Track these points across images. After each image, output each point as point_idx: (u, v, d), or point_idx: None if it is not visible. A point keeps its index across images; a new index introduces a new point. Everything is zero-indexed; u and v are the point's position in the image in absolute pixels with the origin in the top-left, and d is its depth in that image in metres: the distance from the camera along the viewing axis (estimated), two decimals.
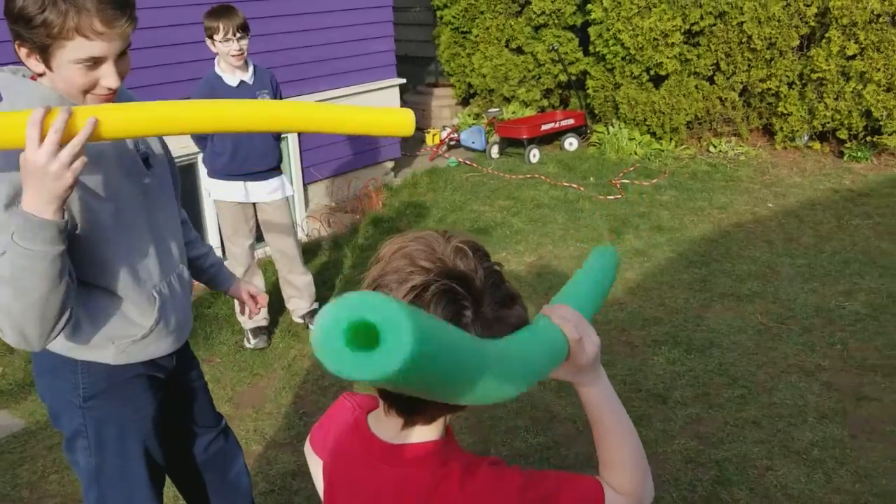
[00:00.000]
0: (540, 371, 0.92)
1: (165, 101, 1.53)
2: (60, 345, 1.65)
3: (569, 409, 3.27)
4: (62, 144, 1.29)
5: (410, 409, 0.96)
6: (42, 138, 1.28)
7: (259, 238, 4.04)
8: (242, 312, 2.27)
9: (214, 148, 3.68)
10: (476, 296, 0.90)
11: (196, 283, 2.06)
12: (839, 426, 3.09)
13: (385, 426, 1.02)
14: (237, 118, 1.54)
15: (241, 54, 3.53)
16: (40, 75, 1.50)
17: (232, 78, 3.61)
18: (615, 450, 1.04)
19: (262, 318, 3.96)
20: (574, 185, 6.22)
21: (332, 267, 4.87)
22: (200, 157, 4.11)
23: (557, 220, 5.53)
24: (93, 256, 1.59)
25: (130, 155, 1.67)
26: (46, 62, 1.45)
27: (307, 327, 4.06)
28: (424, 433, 1.00)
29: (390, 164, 6.57)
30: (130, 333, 1.69)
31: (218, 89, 3.58)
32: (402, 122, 1.62)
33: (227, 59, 3.54)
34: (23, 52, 1.45)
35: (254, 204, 3.84)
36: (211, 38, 3.50)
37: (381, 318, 0.61)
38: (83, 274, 1.59)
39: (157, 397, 1.82)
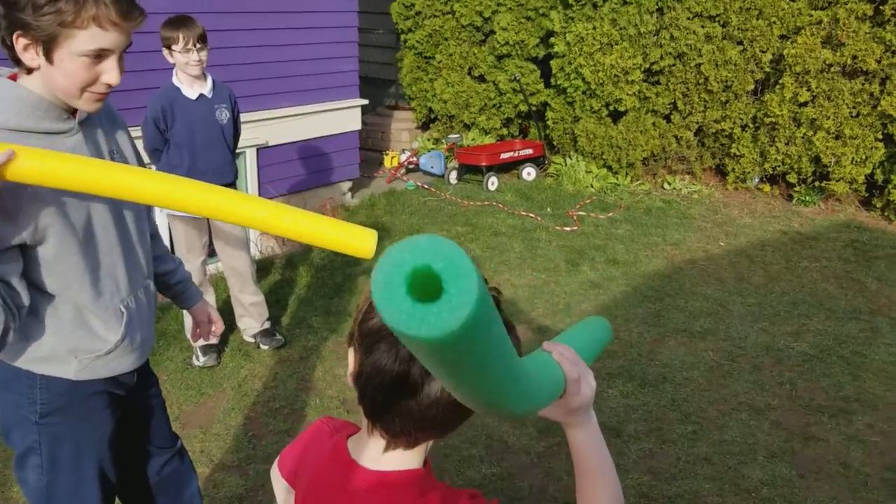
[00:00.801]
0: (542, 399, 0.89)
1: (111, 163, 1.46)
2: (19, 357, 1.58)
3: (523, 440, 3.24)
4: None
5: (395, 430, 0.94)
6: None
7: (211, 254, 3.95)
8: (196, 335, 2.19)
9: (170, 160, 3.58)
10: None
11: None
12: (788, 465, 3.13)
13: (366, 449, 0.99)
14: (189, 200, 1.47)
15: (201, 63, 3.47)
16: (28, 72, 1.44)
17: (190, 91, 3.53)
18: (597, 495, 1.02)
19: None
20: (531, 215, 6.25)
21: (285, 286, 4.78)
22: (153, 168, 4.02)
23: (514, 248, 5.54)
24: (59, 269, 1.53)
25: None
26: (48, 54, 1.40)
27: (258, 347, 3.96)
28: (406, 460, 0.97)
29: (348, 185, 6.51)
30: (95, 348, 1.62)
31: (176, 101, 3.50)
32: (364, 245, 1.56)
33: (186, 69, 3.46)
34: (21, 42, 1.39)
35: (208, 220, 3.76)
36: (169, 48, 3.43)
37: (447, 267, 0.55)
38: (48, 286, 1.53)
39: (115, 415, 1.75)
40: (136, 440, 1.93)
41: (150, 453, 1.98)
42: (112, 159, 1.63)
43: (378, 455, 0.97)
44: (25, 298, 1.49)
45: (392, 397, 0.90)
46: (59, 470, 1.67)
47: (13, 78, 1.48)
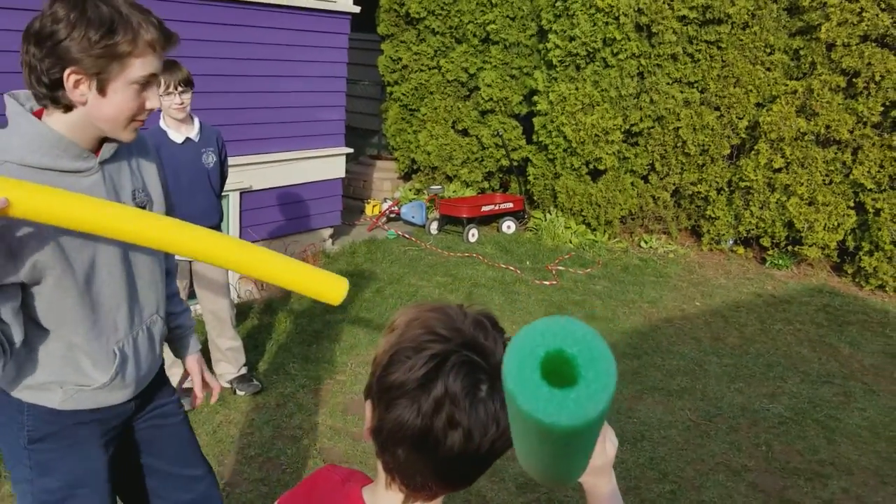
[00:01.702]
0: (589, 457, 0.89)
1: (104, 202, 1.46)
2: (6, 383, 1.55)
3: (502, 495, 3.21)
4: None
5: (416, 484, 0.93)
6: None
7: (190, 296, 3.92)
8: (180, 388, 2.10)
9: None
10: (494, 370, 0.88)
11: None
12: None
13: (383, 502, 0.98)
14: (173, 241, 1.50)
15: (183, 106, 3.47)
16: (65, 110, 1.43)
17: (177, 134, 3.53)
18: None
19: (187, 380, 3.80)
20: (511, 268, 6.30)
21: (263, 331, 4.74)
22: None
23: (494, 300, 5.56)
24: (54, 308, 1.51)
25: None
26: (102, 87, 1.40)
27: (234, 392, 3.91)
28: None
29: (329, 231, 6.53)
30: (81, 383, 1.59)
31: (162, 145, 3.49)
32: (335, 292, 1.60)
33: (169, 112, 3.48)
34: (72, 79, 1.38)
35: (190, 262, 3.74)
36: None
37: (582, 351, 0.54)
38: (42, 321, 1.51)
39: (108, 447, 1.70)
40: (153, 463, 1.86)
41: (173, 476, 1.89)
42: (135, 198, 1.63)
43: None
44: (18, 333, 1.47)
45: (414, 453, 0.90)
46: (49, 499, 1.63)
47: (38, 114, 1.47)
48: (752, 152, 6.73)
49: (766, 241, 6.79)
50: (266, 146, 5.60)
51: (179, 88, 3.41)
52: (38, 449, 1.61)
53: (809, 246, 6.51)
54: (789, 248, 6.78)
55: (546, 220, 7.32)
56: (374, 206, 7.82)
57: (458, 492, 1.00)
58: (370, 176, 8.56)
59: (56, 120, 1.45)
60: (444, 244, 6.90)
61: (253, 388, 3.92)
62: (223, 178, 3.83)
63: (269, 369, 4.23)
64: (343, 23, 6.02)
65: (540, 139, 7.34)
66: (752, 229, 6.78)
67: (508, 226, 7.46)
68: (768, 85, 6.69)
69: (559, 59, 6.96)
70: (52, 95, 1.41)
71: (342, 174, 6.41)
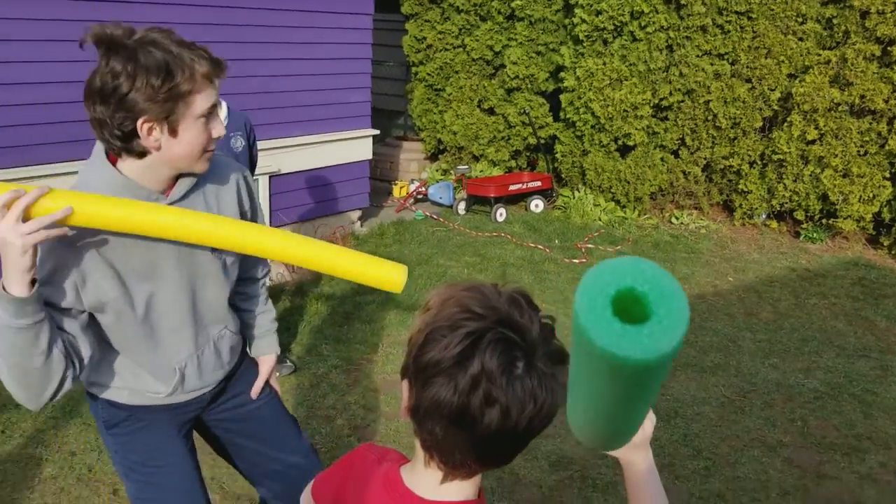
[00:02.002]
0: (649, 408, 0.89)
1: (155, 205, 1.50)
2: (83, 382, 1.69)
3: (534, 473, 3.22)
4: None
5: (455, 462, 0.94)
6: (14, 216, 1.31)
7: None
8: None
9: None
10: (530, 347, 0.88)
11: None
12: None
13: (423, 480, 0.98)
14: (230, 238, 1.53)
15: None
16: (140, 156, 1.47)
17: None
18: None
19: None
20: (540, 247, 6.27)
21: (295, 313, 4.78)
22: None
23: (524, 279, 5.55)
24: (116, 334, 1.61)
25: None
26: (173, 128, 1.44)
27: None
28: (463, 490, 0.97)
29: (357, 214, 6.55)
30: (147, 391, 1.71)
31: None
32: (395, 278, 1.66)
33: None
34: (145, 129, 1.42)
35: None
36: None
37: (652, 289, 0.54)
38: (108, 339, 1.62)
39: (183, 429, 1.82)
40: (243, 443, 1.95)
41: (270, 457, 1.97)
42: None
43: (435, 486, 0.97)
44: (86, 350, 1.54)
45: (452, 430, 0.90)
46: (135, 477, 1.75)
47: (112, 161, 1.52)
48: (785, 124, 6.61)
49: (799, 215, 6.68)
50: (293, 129, 5.62)
51: None
52: (116, 433, 1.74)
53: (844, 218, 6.39)
54: (823, 221, 6.67)
55: (574, 197, 7.26)
56: (401, 188, 7.82)
57: (495, 469, 1.00)
58: (397, 157, 8.56)
59: (128, 166, 1.50)
60: (472, 224, 6.89)
61: (287, 370, 3.96)
62: (253, 162, 3.85)
63: (303, 351, 4.28)
64: (367, 3, 5.99)
65: (567, 116, 7.27)
66: (786, 203, 6.68)
67: (536, 204, 7.42)
68: (801, 55, 6.55)
69: (586, 33, 6.88)
70: (127, 146, 1.45)
71: (369, 156, 6.42)
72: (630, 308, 0.55)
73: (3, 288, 1.34)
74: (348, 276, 1.64)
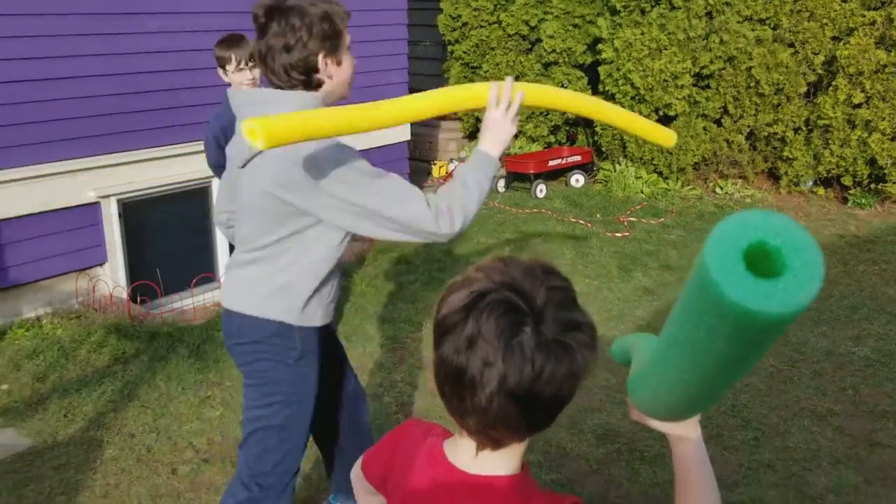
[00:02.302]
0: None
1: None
2: (286, 314, 1.99)
3: (581, 447, 3.25)
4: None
5: (470, 427, 0.95)
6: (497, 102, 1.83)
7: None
8: None
9: None
10: (536, 314, 0.89)
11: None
12: (853, 472, 3.08)
13: (460, 452, 1.00)
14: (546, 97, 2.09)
15: (254, 81, 3.54)
16: (316, 87, 1.93)
17: None
18: None
19: None
20: (581, 222, 6.25)
21: (340, 294, 4.85)
22: (215, 181, 4.13)
23: (566, 255, 5.54)
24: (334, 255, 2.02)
25: None
26: (338, 58, 1.93)
27: None
28: (501, 463, 0.98)
29: None
30: (325, 299, 2.10)
31: (234, 120, 3.57)
32: (668, 138, 2.29)
33: (242, 87, 3.54)
34: (323, 63, 1.90)
35: None
36: (223, 67, 3.50)
37: (785, 243, 0.54)
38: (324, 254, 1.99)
39: (323, 353, 2.19)
40: (337, 366, 2.47)
41: (346, 374, 2.52)
42: None
43: (472, 457, 0.98)
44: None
45: (457, 391, 0.92)
46: (296, 408, 2.09)
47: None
48: (830, 88, 6.45)
49: (847, 181, 6.53)
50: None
51: (250, 64, 3.48)
52: (302, 364, 2.06)
53: (893, 183, 6.23)
54: (872, 186, 6.51)
55: (616, 171, 7.21)
56: (440, 168, 7.84)
57: (521, 440, 0.99)
58: (436, 137, 8.57)
59: (320, 91, 1.99)
60: (512, 201, 6.89)
61: None
62: None
63: (349, 330, 4.35)
64: None
65: (606, 88, 7.19)
66: (833, 169, 6.53)
67: (577, 179, 7.38)
68: (844, 17, 6.37)
69: (623, 3, 6.78)
70: (308, 80, 1.93)
71: (407, 137, 6.45)
72: (759, 263, 0.55)
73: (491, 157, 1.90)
74: (636, 132, 2.24)
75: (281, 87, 1.92)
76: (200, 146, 3.67)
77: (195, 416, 3.50)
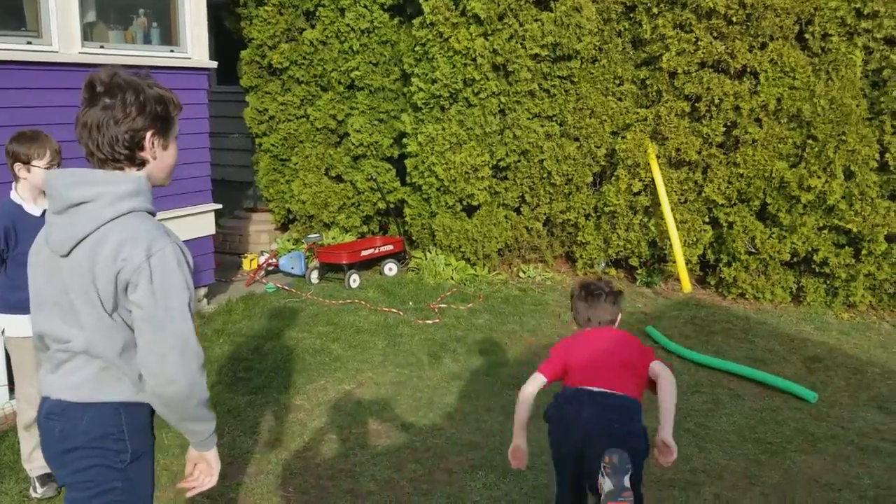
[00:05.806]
0: None
1: None
2: (118, 392, 1.92)
3: None
4: None
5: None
6: None
7: None
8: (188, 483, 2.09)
9: (12, 281, 3.34)
10: (597, 290, 2.95)
11: None
12: None
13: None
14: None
15: None
16: (140, 166, 1.91)
17: (34, 207, 3.37)
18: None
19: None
20: (394, 310, 6.32)
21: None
22: None
23: (377, 345, 5.56)
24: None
25: None
26: (166, 142, 1.94)
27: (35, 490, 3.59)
28: None
29: (203, 291, 6.37)
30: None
31: (20, 219, 3.33)
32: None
33: (36, 184, 3.32)
34: (150, 142, 1.89)
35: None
36: (26, 163, 3.28)
37: None
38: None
39: None
40: None
41: None
42: None
43: None
44: None
45: (579, 307, 3.04)
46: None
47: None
48: (613, 178, 7.07)
49: (634, 261, 7.12)
50: None
51: (57, 160, 3.30)
52: (135, 439, 1.95)
53: (673, 262, 6.86)
54: (656, 265, 7.13)
55: (426, 259, 7.41)
56: (251, 260, 7.69)
57: None
58: (246, 230, 8.43)
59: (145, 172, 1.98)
60: (326, 292, 6.86)
61: (52, 492, 3.52)
62: None
63: None
64: (201, 78, 5.96)
65: (413, 180, 7.45)
66: (621, 251, 7.10)
67: (390, 268, 7.50)
68: (621, 114, 7.07)
69: (423, 101, 7.12)
70: (132, 157, 1.91)
71: (212, 231, 6.29)
72: None
73: None
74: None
75: (102, 166, 1.87)
76: None
77: None
